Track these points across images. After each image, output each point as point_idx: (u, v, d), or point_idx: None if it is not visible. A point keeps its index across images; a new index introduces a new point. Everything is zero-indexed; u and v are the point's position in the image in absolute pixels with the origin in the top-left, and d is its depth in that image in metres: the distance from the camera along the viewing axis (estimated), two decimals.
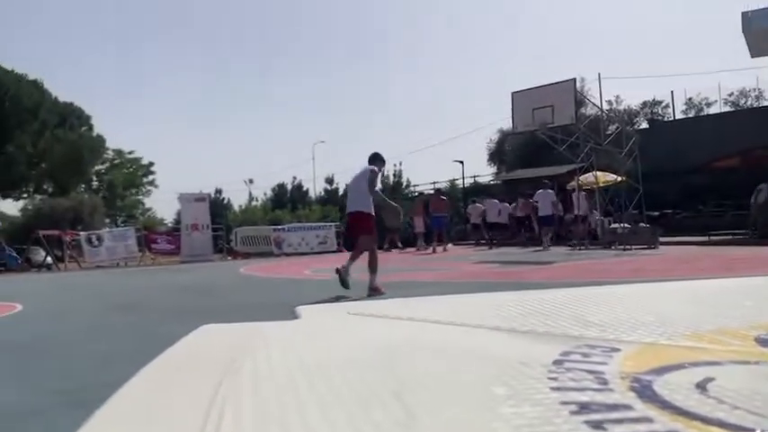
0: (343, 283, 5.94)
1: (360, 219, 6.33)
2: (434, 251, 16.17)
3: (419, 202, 19.59)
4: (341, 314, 2.53)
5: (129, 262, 19.08)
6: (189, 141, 71.16)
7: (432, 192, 23.38)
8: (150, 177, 45.09)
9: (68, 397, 2.40)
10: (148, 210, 45.98)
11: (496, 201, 19.16)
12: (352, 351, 1.75)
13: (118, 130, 67.89)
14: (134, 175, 44.54)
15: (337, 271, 5.98)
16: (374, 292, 5.93)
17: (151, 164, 44.47)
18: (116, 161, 43.27)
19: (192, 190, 22.02)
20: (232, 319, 3.88)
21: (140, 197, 45.93)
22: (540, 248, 14.30)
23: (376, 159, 6.75)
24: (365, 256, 6.21)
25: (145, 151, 55.84)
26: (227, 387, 1.41)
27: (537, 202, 16.11)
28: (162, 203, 64.86)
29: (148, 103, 67.86)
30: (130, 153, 43.77)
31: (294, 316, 2.75)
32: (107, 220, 36.06)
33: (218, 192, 39.24)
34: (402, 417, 1.21)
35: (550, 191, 15.49)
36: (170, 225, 35.83)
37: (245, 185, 44.17)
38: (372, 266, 6.16)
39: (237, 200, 47.86)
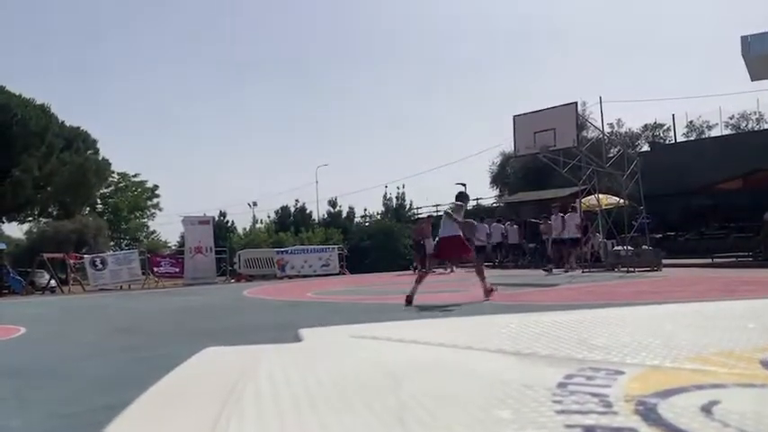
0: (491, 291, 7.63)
1: (455, 241, 7.85)
2: (449, 271, 16.62)
3: (428, 223, 19.70)
4: (343, 337, 2.52)
5: (133, 285, 19.10)
6: (194, 164, 71.72)
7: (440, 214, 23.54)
8: (155, 200, 45.37)
9: (72, 421, 2.39)
10: (153, 233, 46.15)
11: (475, 223, 19.59)
12: (356, 374, 1.75)
13: (124, 153, 68.54)
14: (139, 198, 44.77)
15: (490, 291, 7.61)
16: (488, 294, 7.56)
17: (156, 187, 44.76)
18: (121, 184, 43.54)
19: (196, 213, 22.15)
20: (235, 341, 3.88)
21: (145, 220, 46.11)
22: (564, 270, 14.26)
23: (462, 197, 8.41)
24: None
25: (150, 174, 56.18)
26: (229, 412, 1.40)
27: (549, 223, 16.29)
28: (166, 226, 65.14)
29: (155, 127, 68.57)
30: (135, 176, 44.06)
31: (297, 338, 2.74)
32: (111, 243, 36.17)
33: (223, 214, 39.37)
34: None
35: (576, 214, 15.57)
36: (174, 248, 35.90)
37: (248, 208, 44.33)
38: (481, 274, 7.82)
39: (241, 222, 48.01)
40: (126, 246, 38.94)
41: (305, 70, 73.11)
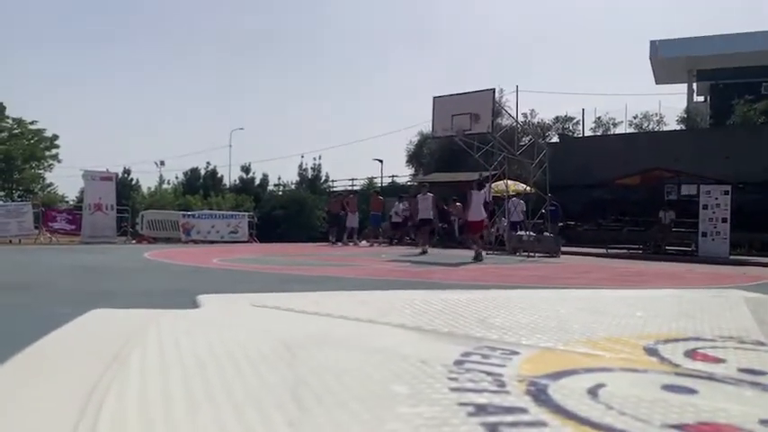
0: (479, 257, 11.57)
1: (480, 223, 12.56)
2: (372, 245, 17.07)
3: (353, 199, 19.91)
4: (244, 305, 2.44)
5: (24, 240, 17.90)
6: (99, 117, 67.82)
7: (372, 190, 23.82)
8: (53, 151, 42.34)
9: None
10: (49, 185, 43.18)
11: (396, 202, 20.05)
12: (252, 344, 1.69)
13: (20, 98, 63.80)
14: (35, 147, 41.58)
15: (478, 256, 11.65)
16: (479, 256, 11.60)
17: (55, 137, 41.80)
18: (16, 130, 40.36)
19: (98, 168, 21.04)
20: (130, 304, 3.69)
21: (41, 171, 43.02)
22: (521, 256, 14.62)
23: (484, 184, 13.44)
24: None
25: (49, 124, 52.62)
26: (110, 377, 1.31)
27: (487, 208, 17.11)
28: (65, 180, 61.35)
29: (56, 73, 64.07)
30: (32, 123, 40.93)
31: (195, 305, 2.64)
32: (2, 194, 33.70)
33: (127, 172, 37.63)
34: (297, 415, 1.17)
35: (522, 201, 16.26)
36: (72, 203, 33.92)
37: (155, 167, 42.57)
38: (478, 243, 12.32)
39: (147, 182, 46.09)
40: (18, 197, 36.39)
41: (225, 29, 70.48)
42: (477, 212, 12.29)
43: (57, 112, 65.66)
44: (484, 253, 12.31)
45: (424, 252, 13.55)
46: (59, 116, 68.63)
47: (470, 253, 12.09)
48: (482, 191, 12.89)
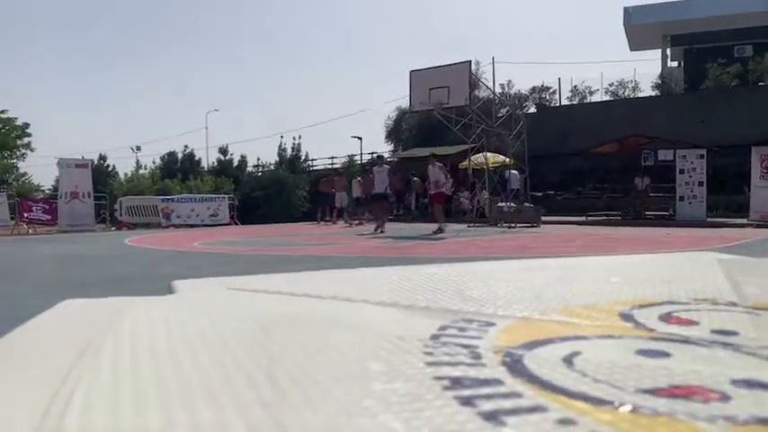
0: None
1: (439, 195, 12.75)
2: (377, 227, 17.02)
3: (342, 178, 19.72)
4: (219, 289, 2.39)
5: (0, 231, 17.65)
6: (70, 104, 66.50)
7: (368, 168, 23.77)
8: (26, 140, 41.49)
9: None
10: (23, 175, 42.44)
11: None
12: (226, 328, 1.65)
13: None
14: (6, 136, 40.70)
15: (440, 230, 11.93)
16: (439, 231, 11.79)
17: (26, 125, 40.93)
18: None
19: (73, 156, 20.70)
20: (107, 292, 3.64)
21: (14, 161, 42.19)
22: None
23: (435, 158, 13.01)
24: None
25: (20, 112, 51.48)
26: (80, 369, 1.28)
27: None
28: (39, 169, 60.09)
29: (26, 60, 62.52)
30: (2, 113, 40.02)
31: (170, 290, 2.61)
32: None
33: (103, 158, 37.09)
34: (270, 395, 1.15)
35: (518, 172, 16.34)
36: (48, 192, 33.40)
37: (131, 152, 41.96)
38: (441, 218, 12.53)
39: (123, 168, 45.43)
40: None
41: (197, 14, 69.19)
42: (436, 185, 12.80)
43: (27, 100, 64.19)
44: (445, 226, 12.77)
45: (380, 230, 12.60)
46: (30, 104, 67.13)
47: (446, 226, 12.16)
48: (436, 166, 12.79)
